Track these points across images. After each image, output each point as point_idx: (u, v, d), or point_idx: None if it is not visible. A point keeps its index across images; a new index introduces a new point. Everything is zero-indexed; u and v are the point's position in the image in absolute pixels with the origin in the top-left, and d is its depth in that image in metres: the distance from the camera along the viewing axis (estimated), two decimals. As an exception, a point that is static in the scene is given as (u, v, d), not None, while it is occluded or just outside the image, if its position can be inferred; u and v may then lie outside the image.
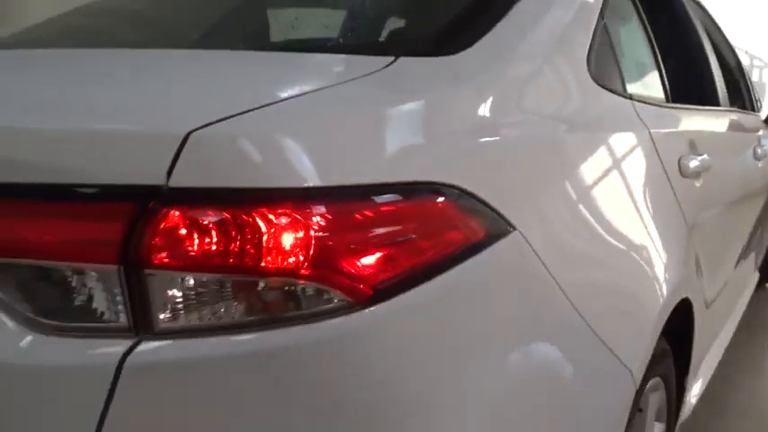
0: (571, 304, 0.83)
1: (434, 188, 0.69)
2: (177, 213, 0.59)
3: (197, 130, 0.59)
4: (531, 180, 0.86)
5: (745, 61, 6.32)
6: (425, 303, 0.67)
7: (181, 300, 0.60)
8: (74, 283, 0.61)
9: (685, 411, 1.60)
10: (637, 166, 1.14)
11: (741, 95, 2.73)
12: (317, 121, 0.68)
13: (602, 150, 1.05)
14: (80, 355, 0.60)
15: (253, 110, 0.64)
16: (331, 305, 0.61)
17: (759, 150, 2.16)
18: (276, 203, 0.60)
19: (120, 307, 0.60)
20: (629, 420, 1.05)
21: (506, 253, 0.76)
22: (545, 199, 0.87)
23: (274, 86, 0.77)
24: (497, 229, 0.75)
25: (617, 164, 1.07)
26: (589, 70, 1.07)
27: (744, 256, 2.09)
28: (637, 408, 1.10)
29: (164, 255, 0.59)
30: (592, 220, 0.96)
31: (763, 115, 2.73)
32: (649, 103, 1.31)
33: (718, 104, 1.93)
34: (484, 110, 0.85)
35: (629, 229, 1.05)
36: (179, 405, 0.60)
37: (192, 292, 0.60)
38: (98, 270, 0.60)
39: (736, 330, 2.20)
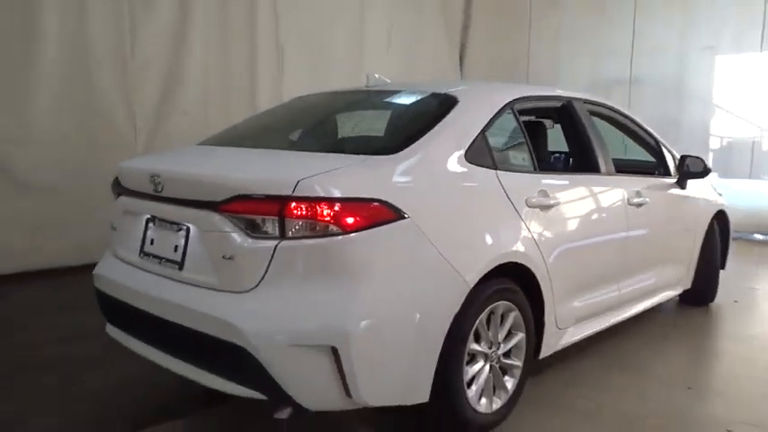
0: (436, 249, 2.23)
1: (375, 199, 2.13)
2: (294, 203, 2.06)
3: (302, 179, 2.07)
4: (425, 200, 2.28)
5: (755, 132, 7.36)
6: (372, 236, 2.10)
7: (295, 226, 2.06)
8: (263, 224, 2.09)
9: (550, 341, 2.87)
10: (490, 197, 2.54)
11: (660, 164, 4.02)
12: (340, 176, 2.15)
13: (467, 190, 2.46)
14: (264, 244, 2.07)
15: (316, 174, 2.11)
16: (336, 231, 2.06)
17: (637, 199, 3.45)
18: (322, 201, 2.06)
19: (276, 231, 2.07)
20: (488, 319, 2.43)
21: (404, 226, 2.17)
22: (431, 208, 2.29)
23: (325, 164, 2.24)
24: (400, 216, 2.17)
25: (477, 194, 2.48)
26: (465, 155, 2.50)
27: (624, 269, 3.37)
28: (484, 308, 2.45)
29: (290, 213, 2.05)
30: (457, 216, 2.37)
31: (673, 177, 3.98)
32: (510, 171, 2.70)
33: (598, 172, 3.27)
34: (403, 173, 2.29)
35: (480, 224, 2.45)
36: (292, 265, 2.06)
37: (297, 225, 2.06)
38: (272, 218, 2.07)
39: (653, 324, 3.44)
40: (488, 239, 2.49)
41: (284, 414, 2.16)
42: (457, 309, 2.29)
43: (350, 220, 2.09)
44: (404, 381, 2.20)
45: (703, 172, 3.94)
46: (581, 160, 3.33)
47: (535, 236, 2.69)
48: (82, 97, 5.26)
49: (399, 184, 2.26)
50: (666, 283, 3.95)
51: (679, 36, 7.89)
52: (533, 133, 3.14)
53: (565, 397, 2.91)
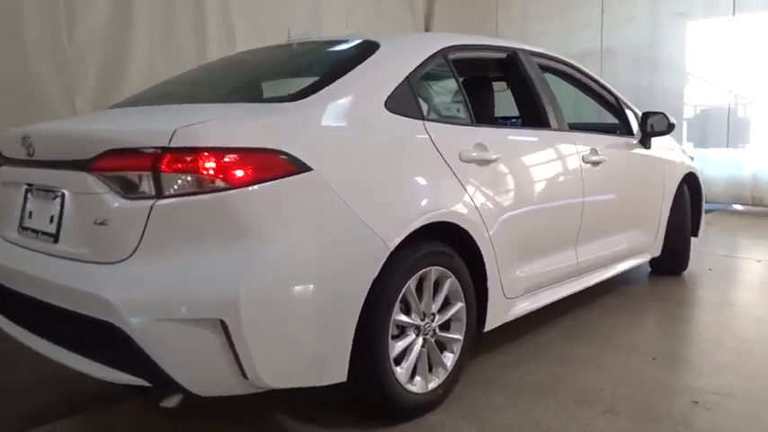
0: (348, 207, 1.94)
1: (270, 149, 1.84)
2: (170, 155, 1.76)
3: (179, 128, 1.77)
4: (335, 152, 1.99)
5: (730, 99, 7.15)
6: (266, 192, 1.81)
7: (174, 183, 1.76)
8: (138, 182, 1.79)
9: (497, 312, 2.60)
10: (415, 150, 2.26)
11: (621, 124, 3.75)
12: (227, 123, 1.85)
13: (387, 142, 2.17)
14: (139, 204, 1.78)
15: (199, 122, 1.82)
16: (222, 186, 1.77)
17: (594, 158, 3.17)
18: (205, 152, 1.76)
19: (152, 189, 1.77)
20: (420, 287, 2.15)
21: (307, 180, 1.88)
22: (342, 162, 2.00)
23: (215, 113, 1.94)
24: (303, 169, 1.88)
25: (399, 146, 2.20)
26: (386, 104, 2.21)
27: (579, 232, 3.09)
28: (412, 274, 2.17)
29: (166, 167, 1.76)
30: (375, 171, 2.08)
31: (636, 137, 3.72)
32: (441, 122, 2.42)
33: (548, 128, 2.98)
34: (308, 121, 1.99)
35: (403, 179, 2.16)
36: (172, 227, 1.76)
37: (176, 181, 1.76)
38: (147, 175, 1.77)
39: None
40: (412, 197, 2.20)
41: (172, 402, 1.86)
42: (375, 273, 2.00)
43: (239, 174, 1.79)
44: (313, 358, 1.91)
45: (667, 129, 3.67)
46: (528, 116, 3.05)
47: (472, 194, 2.41)
48: (17, 86, 4.93)
49: (302, 133, 1.97)
50: (632, 249, 3.68)
51: (650, 3, 7.63)
52: (475, 89, 2.87)
53: (518, 372, 2.64)
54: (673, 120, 3.66)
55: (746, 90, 7.16)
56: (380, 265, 2.02)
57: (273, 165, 1.85)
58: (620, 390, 2.47)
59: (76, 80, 5.30)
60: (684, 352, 2.99)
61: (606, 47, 7.88)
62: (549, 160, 2.93)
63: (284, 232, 1.84)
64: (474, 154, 2.47)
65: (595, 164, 3.19)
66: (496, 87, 3.69)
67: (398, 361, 2.18)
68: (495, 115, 3.52)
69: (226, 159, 1.79)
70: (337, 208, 1.94)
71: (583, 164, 3.10)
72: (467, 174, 2.41)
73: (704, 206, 4.47)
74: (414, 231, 2.13)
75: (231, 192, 1.78)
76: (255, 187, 1.80)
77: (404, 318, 2.18)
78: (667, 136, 3.93)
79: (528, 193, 2.75)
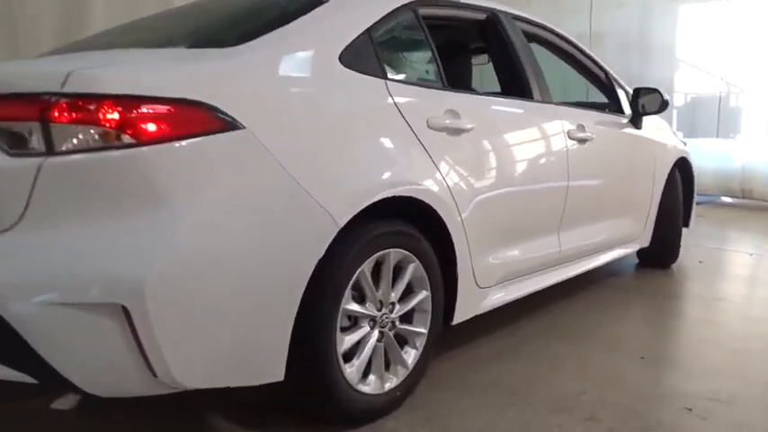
0: (288, 173, 1.62)
1: (190, 100, 1.51)
2: (62, 102, 1.42)
3: (74, 71, 1.43)
4: (274, 109, 1.66)
5: (722, 87, 6.89)
6: (184, 151, 1.48)
7: (69, 137, 1.43)
8: (25, 135, 1.45)
9: (468, 302, 2.29)
10: (373, 112, 1.93)
11: (611, 102, 3.46)
12: (136, 67, 1.51)
13: (339, 101, 1.84)
14: (24, 162, 1.44)
15: (101, 66, 1.48)
16: (128, 142, 1.44)
17: (581, 134, 2.87)
18: (106, 100, 1.43)
19: (41, 144, 1.43)
20: (377, 272, 1.84)
21: (237, 139, 1.55)
22: (283, 121, 1.67)
23: (127, 57, 1.61)
24: (232, 126, 1.55)
25: (354, 107, 1.87)
26: (341, 58, 1.88)
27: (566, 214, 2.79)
28: (368, 256, 1.85)
29: (58, 117, 1.42)
30: (322, 133, 1.75)
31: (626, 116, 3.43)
32: (407, 84, 2.10)
33: (531, 99, 2.67)
34: (242, 71, 1.66)
35: (357, 144, 1.84)
36: (65, 191, 1.43)
37: (72, 135, 1.43)
38: (34, 127, 1.44)
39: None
40: (369, 166, 1.88)
41: (66, 404, 1.54)
42: (320, 253, 1.69)
43: (150, 128, 1.46)
44: (241, 353, 1.59)
45: (661, 108, 3.38)
46: (509, 85, 2.73)
47: (441, 166, 2.10)
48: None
49: (235, 84, 1.63)
50: (619, 238, 3.40)
51: (642, -14, 7.37)
52: (451, 54, 2.55)
53: (489, 371, 2.34)
54: (667, 96, 3.37)
55: (739, 78, 6.92)
56: (327, 244, 1.70)
57: (195, 119, 1.52)
58: (603, 394, 2.18)
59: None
60: (675, 351, 2.71)
61: (595, 30, 7.59)
62: (530, 134, 2.62)
63: (206, 201, 1.51)
64: (445, 121, 2.15)
65: (582, 141, 2.89)
66: (478, 61, 3.39)
67: (349, 357, 1.87)
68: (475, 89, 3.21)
69: (134, 110, 1.45)
70: (274, 174, 1.61)
71: (569, 140, 2.80)
72: (436, 143, 2.10)
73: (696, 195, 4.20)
74: (370, 207, 1.81)
75: (139, 149, 1.44)
76: (170, 145, 1.47)
77: (356, 307, 1.87)
78: (658, 117, 3.66)
79: (506, 168, 2.44)
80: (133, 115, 1.45)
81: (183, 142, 1.49)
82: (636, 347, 2.66)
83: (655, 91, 3.36)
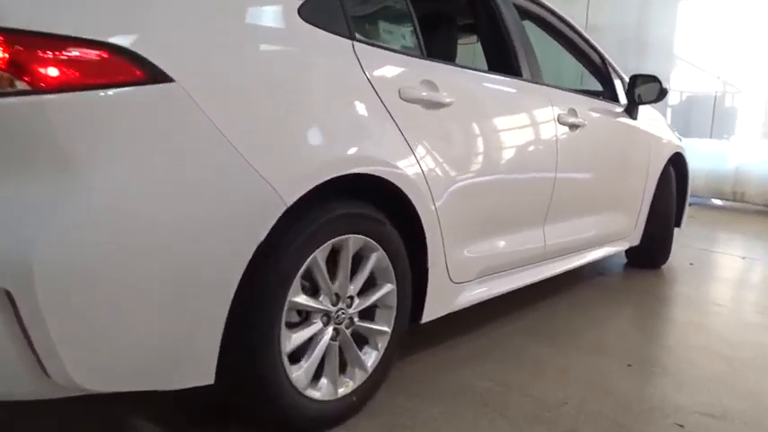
0: (225, 138, 1.36)
1: (105, 43, 1.24)
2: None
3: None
4: (213, 62, 1.40)
5: (718, 86, 6.69)
6: (95, 103, 1.22)
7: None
8: None
9: (440, 298, 2.05)
10: (337, 76, 1.67)
11: (606, 89, 3.23)
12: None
13: (296, 60, 1.58)
14: None
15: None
16: (21, 89, 1.17)
17: (572, 119, 2.62)
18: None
19: None
20: (333, 260, 1.60)
21: (164, 93, 1.29)
22: (223, 76, 1.40)
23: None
24: (158, 77, 1.28)
25: (313, 68, 1.61)
26: (300, 11, 1.62)
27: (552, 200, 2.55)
28: (322, 241, 1.60)
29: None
30: (271, 96, 1.49)
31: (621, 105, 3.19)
32: (377, 47, 1.84)
33: (519, 77, 2.43)
34: (173, 14, 1.39)
35: (314, 111, 1.58)
36: None
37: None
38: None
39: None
40: (326, 137, 1.61)
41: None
42: (261, 236, 1.43)
43: (51, 73, 1.19)
44: (159, 351, 1.33)
45: (659, 97, 3.15)
46: (497, 60, 2.48)
47: (413, 143, 1.84)
48: None
49: (163, 28, 1.37)
50: (609, 235, 3.17)
51: (640, -21, 7.14)
52: (433, 23, 2.30)
53: (462, 375, 2.10)
54: (666, 85, 3.14)
55: (736, 78, 6.72)
56: (270, 225, 1.44)
57: (111, 67, 1.25)
58: (586, 404, 1.95)
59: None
60: (665, 358, 2.48)
61: (592, 24, 7.35)
62: (517, 114, 2.37)
63: (118, 166, 1.24)
64: (421, 93, 1.89)
65: (573, 127, 2.65)
66: (465, 39, 3.15)
67: (297, 358, 1.62)
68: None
69: (31, 51, 1.19)
70: (208, 138, 1.35)
71: (558, 125, 2.55)
72: (409, 117, 1.84)
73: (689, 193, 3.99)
74: (325, 184, 1.56)
75: (34, 98, 1.18)
76: (75, 95, 1.20)
77: (307, 300, 1.61)
78: (654, 109, 3.43)
79: (488, 149, 2.19)
80: (28, 57, 1.18)
81: (93, 92, 1.22)
82: (623, 352, 2.43)
83: (653, 79, 3.13)
